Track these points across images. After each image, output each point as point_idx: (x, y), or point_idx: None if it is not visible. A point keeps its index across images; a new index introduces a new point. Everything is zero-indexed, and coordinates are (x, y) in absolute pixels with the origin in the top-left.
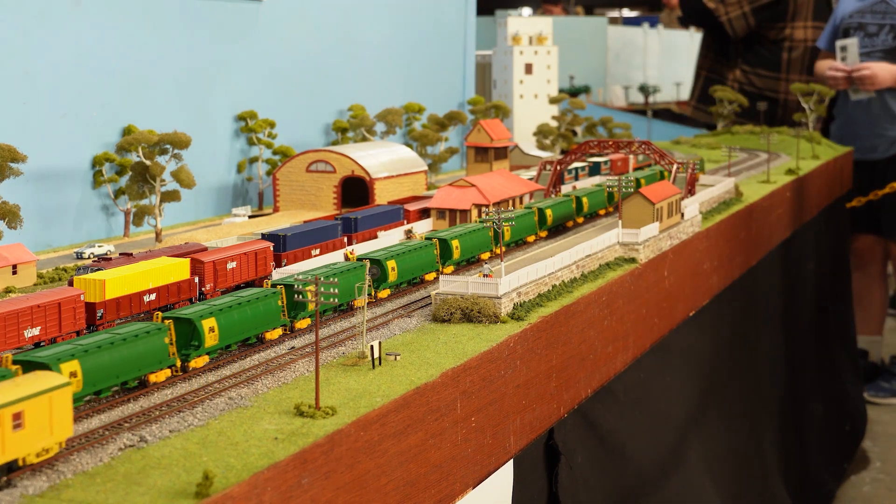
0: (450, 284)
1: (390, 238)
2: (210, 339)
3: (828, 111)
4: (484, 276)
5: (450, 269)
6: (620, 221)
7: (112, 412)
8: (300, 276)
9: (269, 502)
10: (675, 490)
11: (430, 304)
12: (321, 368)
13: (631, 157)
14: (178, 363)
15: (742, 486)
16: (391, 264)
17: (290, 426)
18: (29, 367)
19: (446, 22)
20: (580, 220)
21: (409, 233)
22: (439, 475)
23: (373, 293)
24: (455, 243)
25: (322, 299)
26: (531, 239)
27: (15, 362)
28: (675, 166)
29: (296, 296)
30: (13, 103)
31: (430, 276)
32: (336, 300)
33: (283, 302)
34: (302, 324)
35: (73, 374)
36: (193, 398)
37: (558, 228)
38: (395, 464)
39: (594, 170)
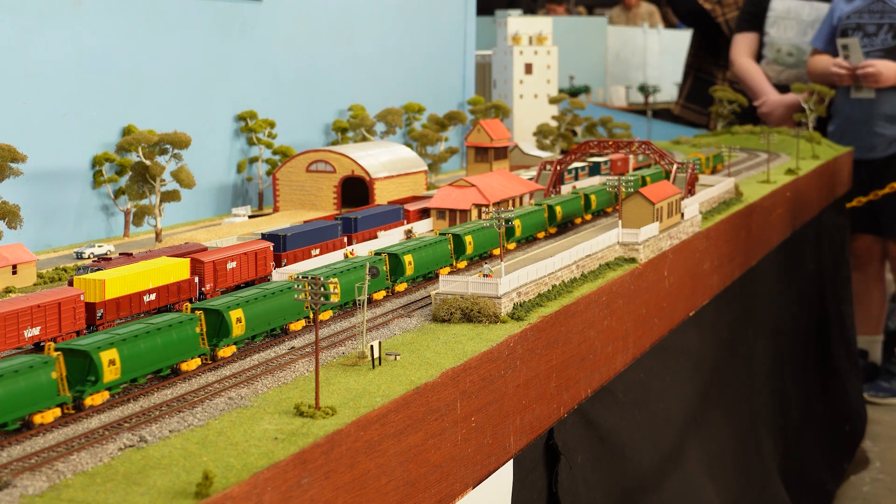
0: (450, 284)
1: (391, 238)
2: (334, 296)
3: (827, 111)
4: (484, 276)
5: (512, 245)
6: (620, 221)
7: (112, 412)
8: (395, 246)
9: (269, 502)
10: (675, 490)
11: (430, 304)
12: (321, 368)
13: (631, 157)
14: (311, 315)
15: (742, 486)
16: (468, 239)
17: (290, 426)
18: (208, 314)
19: (446, 22)
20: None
21: (408, 233)
22: (439, 475)
23: (454, 262)
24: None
25: (322, 299)
26: (578, 221)
27: (193, 309)
28: (675, 166)
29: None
30: (13, 103)
31: (496, 251)
32: (337, 298)
33: (387, 267)
34: (379, 295)
35: (238, 321)
36: (193, 398)
37: (600, 213)
38: (395, 464)
39: (594, 170)
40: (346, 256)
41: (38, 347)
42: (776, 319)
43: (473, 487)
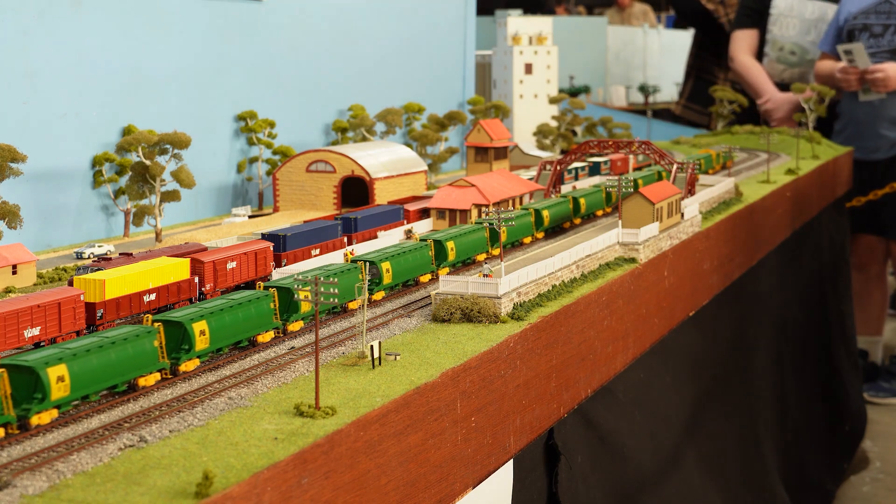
0: (450, 284)
1: (391, 238)
2: (386, 277)
3: (827, 111)
4: (484, 276)
5: (541, 234)
6: (620, 221)
7: (112, 412)
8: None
9: (269, 502)
10: (675, 490)
11: (430, 304)
12: (321, 368)
13: (631, 157)
14: (367, 294)
15: (742, 485)
16: (503, 228)
17: (290, 426)
18: (280, 291)
19: (446, 22)
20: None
21: (409, 233)
22: (439, 475)
23: (489, 249)
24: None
25: (322, 299)
26: (599, 213)
27: (266, 287)
28: (675, 166)
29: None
30: (13, 103)
31: (527, 240)
32: (336, 299)
33: (432, 252)
34: (425, 278)
35: (306, 299)
36: (193, 398)
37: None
38: (395, 464)
39: (594, 170)
40: (346, 256)
41: (37, 347)
42: (776, 319)
43: (473, 487)
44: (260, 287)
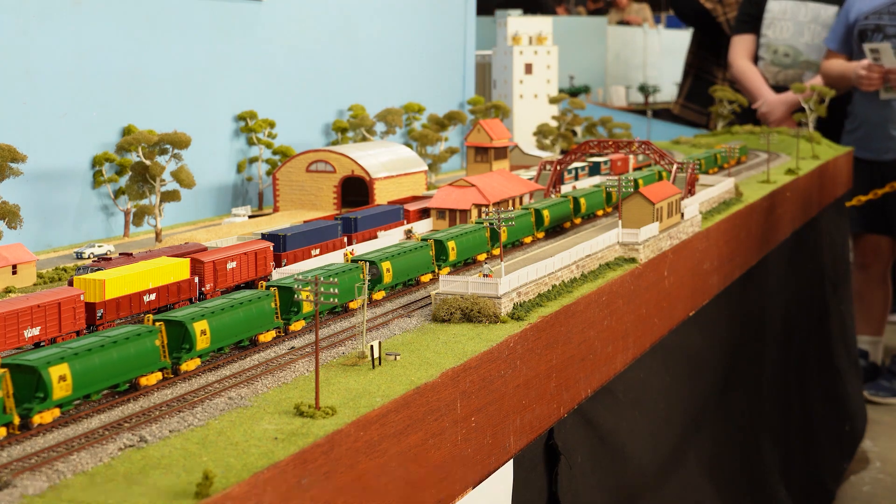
0: (450, 284)
1: (391, 238)
2: (452, 255)
3: (827, 111)
4: (484, 276)
5: (578, 220)
6: (620, 221)
7: (112, 412)
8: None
9: (269, 502)
10: (675, 490)
11: (430, 304)
12: (321, 368)
13: (631, 157)
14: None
15: (742, 486)
16: (545, 213)
17: (290, 426)
18: (369, 264)
19: (446, 22)
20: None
21: (408, 233)
22: (439, 475)
23: (535, 232)
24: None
25: (322, 299)
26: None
27: (354, 260)
28: (675, 166)
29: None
30: (13, 103)
31: (566, 225)
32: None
33: (488, 234)
34: (482, 256)
35: (388, 270)
36: (193, 398)
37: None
38: (395, 464)
39: (594, 170)
40: (346, 256)
41: (37, 347)
42: (776, 319)
43: (473, 487)
44: (348, 258)
